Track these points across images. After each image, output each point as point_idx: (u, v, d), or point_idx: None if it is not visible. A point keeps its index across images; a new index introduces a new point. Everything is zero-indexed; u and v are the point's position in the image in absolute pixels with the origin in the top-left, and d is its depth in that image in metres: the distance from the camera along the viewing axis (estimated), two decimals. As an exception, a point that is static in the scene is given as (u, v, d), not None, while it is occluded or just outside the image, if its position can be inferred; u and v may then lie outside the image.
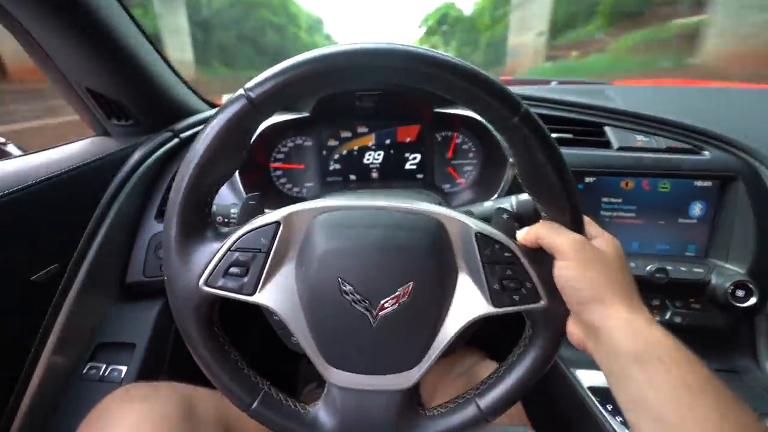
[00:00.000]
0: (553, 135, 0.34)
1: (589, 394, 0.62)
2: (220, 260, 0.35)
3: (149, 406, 0.45)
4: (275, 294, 0.36)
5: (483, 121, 0.67)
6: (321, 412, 0.39)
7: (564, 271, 0.34)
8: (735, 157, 0.65)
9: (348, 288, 0.35)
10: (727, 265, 0.65)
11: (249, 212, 0.39)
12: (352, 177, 0.76)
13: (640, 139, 0.69)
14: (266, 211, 0.39)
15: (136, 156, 0.63)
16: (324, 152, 0.74)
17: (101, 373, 0.57)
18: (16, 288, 0.50)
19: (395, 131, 0.74)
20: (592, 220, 0.38)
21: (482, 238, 0.36)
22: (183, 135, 0.73)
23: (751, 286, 0.61)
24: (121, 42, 0.60)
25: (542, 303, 0.35)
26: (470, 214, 0.55)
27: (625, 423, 0.58)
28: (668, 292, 0.67)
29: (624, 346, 0.31)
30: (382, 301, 0.35)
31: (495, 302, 0.36)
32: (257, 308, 0.39)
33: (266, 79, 0.32)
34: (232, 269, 0.35)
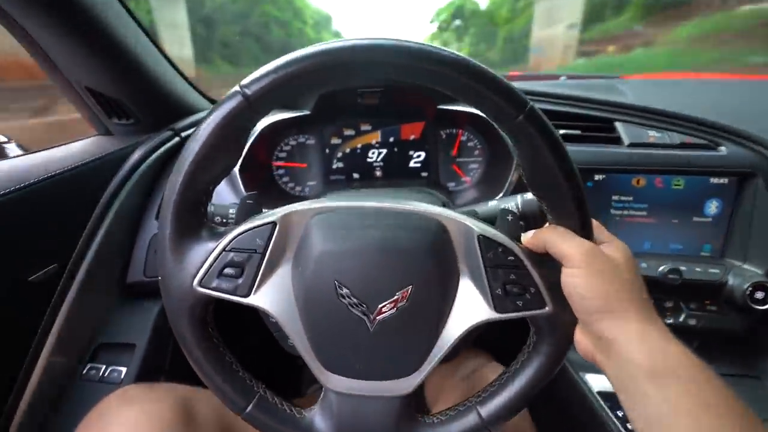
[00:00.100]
0: (561, 131, 0.33)
1: (599, 399, 0.60)
2: (214, 260, 0.35)
3: (147, 408, 0.45)
4: (271, 296, 0.35)
5: (487, 117, 0.65)
6: (317, 417, 0.38)
7: (573, 279, 0.32)
8: (754, 153, 0.62)
9: (345, 291, 0.34)
10: (745, 266, 0.63)
11: (246, 211, 0.38)
12: (356, 175, 0.75)
13: (653, 135, 0.66)
14: (264, 210, 0.38)
15: (136, 155, 0.63)
16: (327, 150, 0.73)
17: (101, 373, 0.57)
18: (14, 288, 0.49)
19: (399, 129, 0.73)
20: (601, 225, 0.36)
21: (485, 241, 0.34)
22: (184, 134, 0.72)
23: None
24: (120, 39, 0.59)
25: (547, 309, 0.34)
26: (474, 213, 0.53)
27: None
28: (682, 293, 0.64)
29: (638, 361, 0.29)
30: (380, 305, 0.34)
31: (498, 307, 0.34)
32: (257, 310, 0.38)
33: (263, 76, 0.31)
34: (227, 270, 0.35)
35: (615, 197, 0.67)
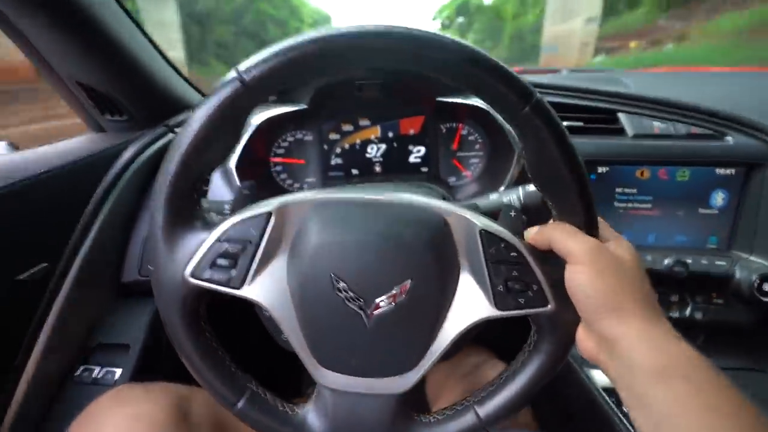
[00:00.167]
0: (564, 123, 0.32)
1: (603, 395, 0.59)
2: (207, 251, 0.33)
3: (140, 409, 0.43)
4: (265, 289, 0.34)
5: (489, 110, 0.64)
6: (310, 414, 0.37)
7: (577, 276, 0.31)
8: (761, 143, 0.61)
9: (341, 285, 0.33)
10: (752, 258, 0.61)
11: (242, 202, 0.37)
12: (355, 171, 0.74)
13: (657, 126, 0.65)
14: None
15: (129, 152, 0.62)
16: (325, 146, 0.72)
17: (94, 375, 0.56)
18: (1, 287, 0.48)
19: (398, 123, 0.72)
20: (606, 223, 0.36)
21: (487, 236, 0.33)
22: (178, 130, 0.71)
23: None
24: (111, 34, 0.58)
25: (549, 307, 0.33)
26: (475, 207, 0.52)
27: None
28: (688, 287, 0.63)
29: (645, 362, 0.28)
30: (377, 300, 0.33)
31: (499, 304, 0.33)
32: (255, 308, 0.37)
33: (261, 61, 0.30)
34: (220, 261, 0.34)
35: (619, 190, 0.66)
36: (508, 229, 0.34)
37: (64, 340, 0.55)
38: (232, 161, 0.62)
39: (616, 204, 0.66)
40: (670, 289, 0.64)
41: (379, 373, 0.36)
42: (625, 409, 0.56)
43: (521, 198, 0.51)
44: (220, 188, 0.63)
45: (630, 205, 0.66)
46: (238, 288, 0.34)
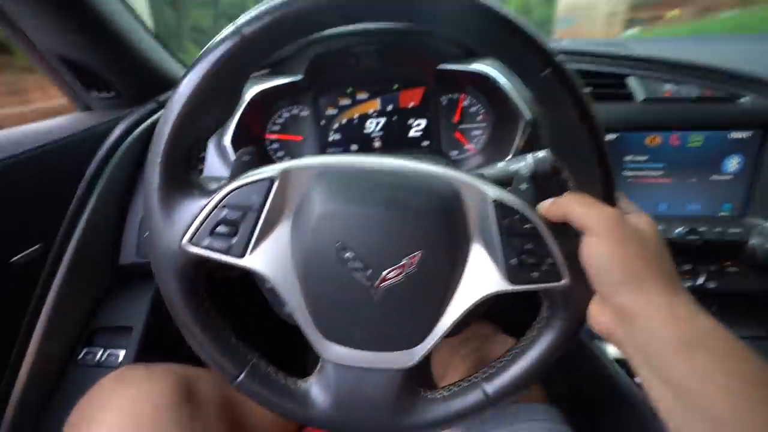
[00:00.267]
0: None
1: (616, 366, 0.58)
2: (206, 217, 0.32)
3: (144, 389, 0.43)
4: (267, 258, 0.33)
5: (494, 77, 0.61)
6: (313, 388, 0.36)
7: (594, 249, 0.29)
8: None
9: (348, 255, 0.32)
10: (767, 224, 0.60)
11: (242, 168, 0.35)
12: (354, 147, 0.72)
13: (668, 89, 0.62)
14: None
15: (119, 130, 0.59)
16: (322, 122, 0.70)
17: (98, 357, 0.55)
18: None
19: (397, 96, 0.69)
20: (625, 195, 0.34)
21: (501, 207, 0.32)
22: None
23: None
24: (91, 3, 0.55)
25: (563, 282, 0.32)
26: (481, 177, 0.50)
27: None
28: (700, 255, 0.62)
29: (665, 333, 0.27)
30: (385, 272, 0.32)
31: (511, 278, 0.32)
32: (252, 275, 0.36)
33: (262, 14, 0.28)
34: (220, 228, 0.32)
35: (628, 157, 0.63)
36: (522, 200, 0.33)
37: (64, 323, 0.54)
38: (227, 137, 0.60)
39: (625, 173, 0.64)
40: (683, 257, 0.62)
41: (385, 347, 0.34)
42: (637, 381, 0.55)
43: (530, 166, 0.49)
44: (215, 165, 0.61)
45: (640, 173, 0.64)
46: (239, 257, 0.32)
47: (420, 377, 0.37)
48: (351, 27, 0.64)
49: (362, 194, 0.32)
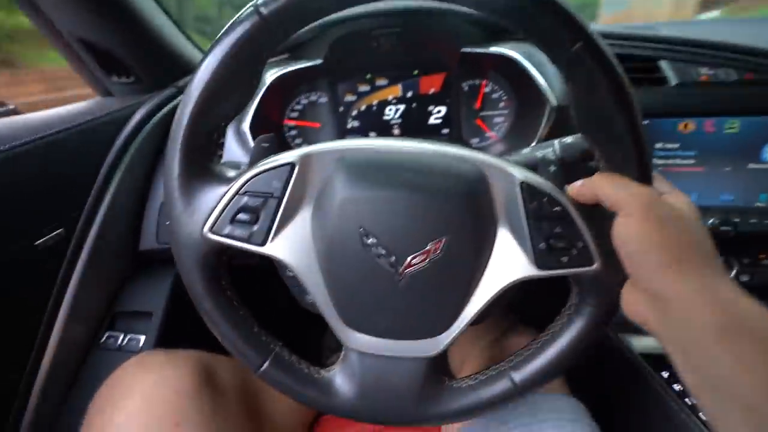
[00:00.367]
0: None
1: (639, 358, 0.57)
2: (227, 205, 0.31)
3: (166, 374, 0.43)
4: (288, 245, 0.32)
5: (518, 59, 0.59)
6: (337, 377, 0.35)
7: (628, 230, 0.28)
8: None
9: (371, 240, 0.31)
10: None
11: (262, 154, 0.35)
12: (372, 134, 0.71)
13: (705, 73, 0.59)
14: None
15: (139, 115, 0.59)
16: (341, 109, 0.69)
17: (119, 342, 0.56)
18: (20, 253, 0.47)
19: (418, 82, 0.68)
20: (661, 175, 0.32)
21: (528, 189, 0.31)
22: None
23: None
24: None
25: (594, 266, 0.30)
26: (507, 160, 0.49)
27: (684, 392, 0.52)
28: (734, 247, 0.59)
29: (704, 318, 0.25)
30: (410, 257, 0.31)
31: (539, 263, 0.31)
32: (273, 263, 0.35)
33: None
34: (241, 215, 0.32)
35: (658, 145, 0.61)
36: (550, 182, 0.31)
37: (86, 307, 0.55)
38: (246, 123, 0.59)
39: (656, 161, 0.62)
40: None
41: (409, 335, 0.34)
42: (665, 374, 0.54)
43: (557, 152, 0.47)
44: (234, 151, 0.60)
45: (671, 161, 0.61)
46: (260, 245, 0.32)
47: (444, 366, 0.36)
48: (372, 8, 0.63)
49: (385, 178, 0.31)
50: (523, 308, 0.71)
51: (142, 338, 0.56)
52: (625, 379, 0.57)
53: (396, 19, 0.62)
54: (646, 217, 0.27)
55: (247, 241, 0.32)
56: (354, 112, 0.69)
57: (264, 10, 0.27)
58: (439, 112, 0.69)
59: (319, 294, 0.33)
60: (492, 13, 0.27)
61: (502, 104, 0.68)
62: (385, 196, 0.31)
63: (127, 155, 0.58)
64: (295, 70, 0.62)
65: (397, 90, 0.68)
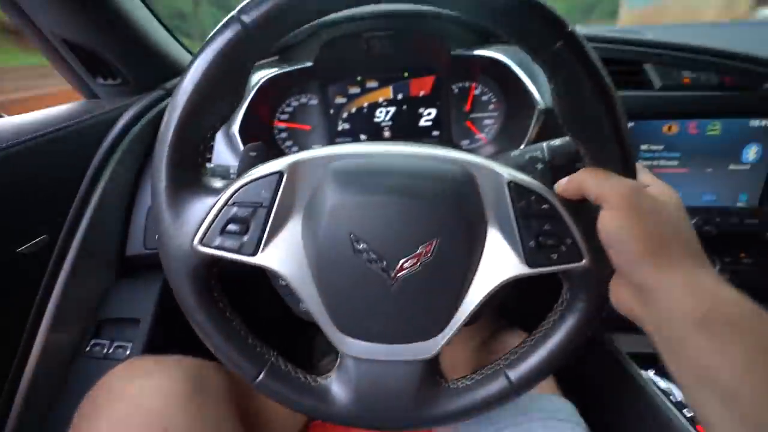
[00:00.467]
0: None
1: (627, 357, 0.58)
2: (216, 216, 0.31)
3: (154, 380, 0.42)
4: (280, 254, 0.32)
5: (507, 62, 0.60)
6: (334, 384, 0.35)
7: (612, 222, 0.28)
8: None
9: (362, 246, 0.31)
10: None
11: (250, 164, 0.35)
12: (363, 137, 0.71)
13: (687, 76, 0.61)
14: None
15: (125, 118, 0.58)
16: (331, 111, 0.69)
17: (106, 350, 0.54)
18: (1, 260, 0.46)
19: (408, 84, 0.68)
20: (645, 167, 0.33)
21: (516, 189, 0.31)
22: None
23: None
24: None
25: (584, 262, 0.31)
26: (495, 160, 0.49)
27: (670, 389, 0.54)
28: (715, 246, 0.61)
29: (685, 309, 0.25)
30: (401, 261, 0.31)
31: (529, 261, 0.31)
32: (261, 276, 0.35)
33: None
34: (231, 226, 0.31)
35: (644, 146, 0.62)
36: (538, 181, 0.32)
37: (70, 315, 0.53)
38: (235, 126, 0.59)
39: (641, 162, 0.63)
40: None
41: (404, 338, 0.34)
42: (651, 372, 0.55)
43: (546, 153, 0.48)
44: (223, 154, 0.60)
45: (655, 162, 0.63)
46: (251, 255, 0.32)
47: (440, 368, 0.36)
48: (362, 11, 0.63)
49: (373, 183, 0.31)
50: (513, 308, 0.72)
51: (130, 345, 0.55)
52: (613, 378, 0.58)
53: (386, 21, 0.62)
54: (628, 210, 0.28)
55: (238, 252, 0.32)
56: (344, 114, 0.69)
57: (246, 19, 0.27)
58: (429, 114, 0.70)
59: (312, 302, 0.33)
60: (473, 15, 0.27)
61: (491, 106, 0.68)
62: (374, 201, 0.31)
63: (113, 159, 0.56)
64: (285, 72, 0.62)
65: (387, 92, 0.68)
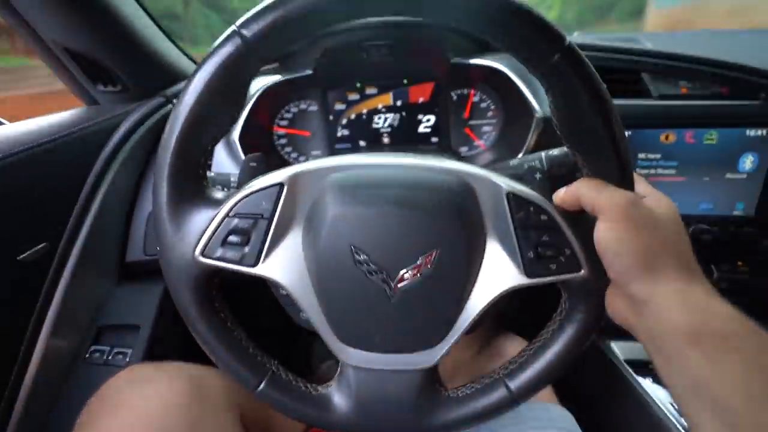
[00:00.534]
0: None
1: (625, 366, 0.58)
2: (217, 227, 0.31)
3: (155, 388, 0.42)
4: (280, 265, 0.32)
5: (505, 71, 0.60)
6: (334, 393, 0.35)
7: (606, 234, 0.28)
8: None
9: (362, 257, 0.31)
10: None
11: (250, 174, 0.35)
12: (362, 143, 0.71)
13: (684, 86, 0.61)
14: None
15: (126, 125, 0.58)
16: (331, 117, 0.69)
17: (106, 356, 0.55)
18: (2, 269, 0.46)
19: (407, 91, 0.68)
20: (642, 177, 0.33)
21: (515, 200, 0.31)
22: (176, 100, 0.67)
23: None
24: None
25: (582, 272, 0.31)
26: (493, 171, 0.50)
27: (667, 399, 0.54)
28: (713, 254, 0.61)
29: (677, 322, 0.26)
30: (402, 272, 0.31)
31: (528, 272, 0.31)
32: (260, 284, 0.35)
33: (262, 12, 0.27)
34: (231, 237, 0.31)
35: (641, 155, 0.63)
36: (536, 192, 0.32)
37: (70, 322, 0.54)
38: (236, 133, 0.59)
39: (638, 170, 0.63)
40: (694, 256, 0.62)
41: (404, 348, 0.34)
42: (648, 379, 0.55)
43: (544, 163, 0.48)
44: (223, 161, 0.60)
45: (653, 171, 0.63)
46: (252, 266, 0.32)
47: (439, 377, 0.36)
48: (361, 21, 0.64)
49: (374, 195, 0.32)
50: (512, 315, 0.72)
51: (129, 352, 0.55)
52: (611, 387, 0.58)
53: (385, 31, 0.62)
54: (624, 222, 0.28)
55: (239, 263, 0.32)
56: (344, 121, 0.69)
57: (246, 33, 0.27)
58: (428, 120, 0.70)
59: (313, 312, 0.33)
60: (471, 26, 0.28)
61: (490, 114, 0.69)
62: (375, 212, 0.31)
63: (114, 165, 0.57)
64: (286, 79, 0.62)
65: (386, 99, 0.68)
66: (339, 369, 0.36)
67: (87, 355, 0.55)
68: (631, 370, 0.56)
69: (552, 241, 0.31)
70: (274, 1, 0.27)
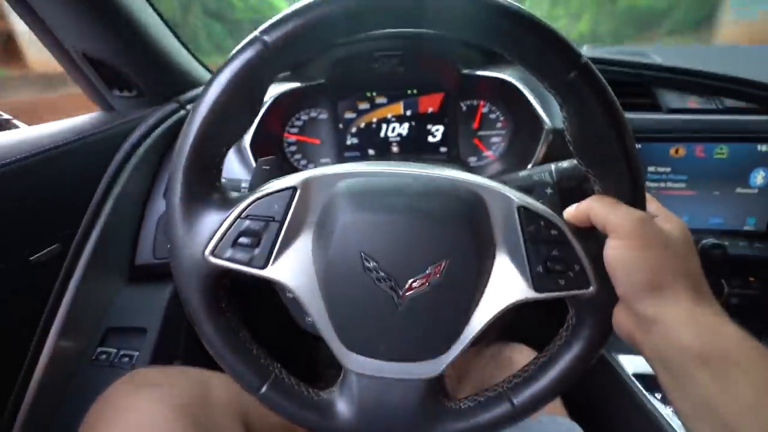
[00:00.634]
0: None
1: (634, 380, 0.57)
2: (228, 228, 0.32)
3: (160, 391, 0.42)
4: (289, 268, 0.32)
5: (515, 83, 0.60)
6: (336, 399, 0.35)
7: (617, 252, 0.28)
8: None
9: (372, 264, 0.31)
10: None
11: (263, 178, 0.35)
12: (371, 152, 0.72)
13: (694, 100, 0.61)
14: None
15: (140, 130, 0.59)
16: (341, 126, 0.70)
17: (112, 358, 0.55)
18: (15, 269, 0.47)
19: (417, 101, 0.69)
20: (655, 198, 0.33)
21: (525, 213, 0.31)
22: (190, 106, 0.68)
23: None
24: (118, 2, 0.55)
25: (591, 289, 0.31)
26: (504, 184, 0.50)
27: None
28: (723, 270, 0.60)
29: (686, 342, 0.26)
30: (410, 281, 0.31)
31: (537, 286, 0.31)
32: (269, 286, 0.35)
33: (284, 19, 0.27)
34: (242, 239, 0.32)
35: (651, 168, 0.63)
36: (546, 206, 0.32)
37: (79, 323, 0.54)
38: (247, 139, 0.60)
39: (648, 184, 0.63)
40: (705, 272, 0.61)
41: (409, 357, 0.34)
42: (657, 395, 0.54)
43: (554, 176, 0.48)
44: (233, 167, 0.61)
45: (663, 184, 0.63)
46: (261, 268, 0.32)
47: (443, 387, 0.36)
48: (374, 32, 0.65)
49: (385, 203, 0.32)
50: (521, 327, 0.72)
51: (136, 354, 0.55)
52: (620, 401, 0.57)
53: (397, 41, 0.63)
54: (634, 242, 0.28)
55: (248, 264, 0.32)
56: (353, 129, 0.70)
57: (267, 38, 0.28)
58: (437, 130, 0.70)
59: (319, 317, 0.33)
60: (487, 42, 0.28)
61: (499, 125, 0.69)
62: (386, 220, 0.31)
63: (126, 169, 0.57)
64: (298, 88, 0.63)
65: (396, 108, 0.69)
66: (342, 375, 0.36)
67: (93, 357, 0.55)
68: (639, 385, 0.56)
69: (561, 256, 0.31)
70: (296, 9, 0.27)
